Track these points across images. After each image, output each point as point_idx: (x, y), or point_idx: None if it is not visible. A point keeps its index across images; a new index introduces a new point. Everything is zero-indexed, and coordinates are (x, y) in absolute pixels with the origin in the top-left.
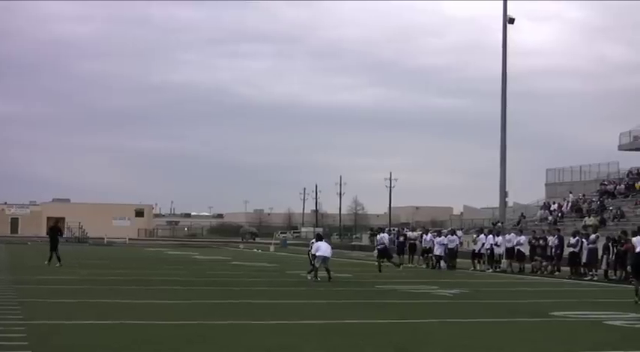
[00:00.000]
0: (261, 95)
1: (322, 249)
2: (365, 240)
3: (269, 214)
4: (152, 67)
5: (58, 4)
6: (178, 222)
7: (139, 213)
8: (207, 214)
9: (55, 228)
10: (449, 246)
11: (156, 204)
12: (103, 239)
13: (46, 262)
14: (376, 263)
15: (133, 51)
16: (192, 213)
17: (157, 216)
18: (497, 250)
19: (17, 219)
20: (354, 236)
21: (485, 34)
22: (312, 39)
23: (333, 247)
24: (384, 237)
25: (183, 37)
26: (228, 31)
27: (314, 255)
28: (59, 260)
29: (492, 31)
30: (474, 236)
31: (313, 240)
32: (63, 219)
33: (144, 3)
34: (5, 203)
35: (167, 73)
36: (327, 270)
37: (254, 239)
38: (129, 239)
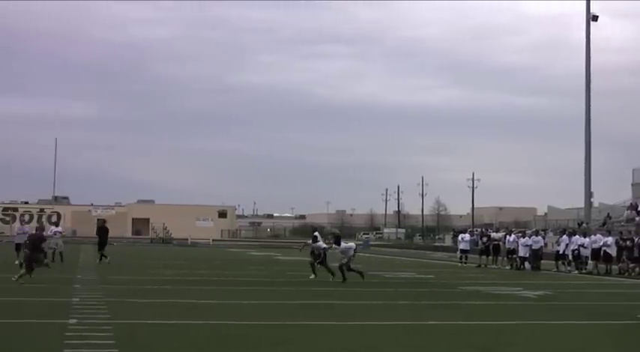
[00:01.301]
0: (339, 95)
1: (346, 244)
2: (448, 241)
3: (351, 215)
4: (229, 68)
5: (134, 7)
6: (261, 222)
7: (222, 214)
8: (289, 215)
9: (104, 229)
10: (533, 247)
11: (238, 205)
12: (187, 240)
13: (97, 261)
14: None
15: (210, 52)
16: (275, 214)
17: (239, 217)
18: (583, 251)
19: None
20: (436, 237)
21: (565, 32)
22: (389, 39)
23: (415, 248)
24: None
25: (259, 38)
26: (305, 32)
27: (316, 253)
28: (102, 258)
29: (572, 29)
30: (557, 237)
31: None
32: (147, 219)
33: (219, 3)
34: (91, 204)
35: (244, 74)
36: (359, 272)
37: None
38: (212, 240)
